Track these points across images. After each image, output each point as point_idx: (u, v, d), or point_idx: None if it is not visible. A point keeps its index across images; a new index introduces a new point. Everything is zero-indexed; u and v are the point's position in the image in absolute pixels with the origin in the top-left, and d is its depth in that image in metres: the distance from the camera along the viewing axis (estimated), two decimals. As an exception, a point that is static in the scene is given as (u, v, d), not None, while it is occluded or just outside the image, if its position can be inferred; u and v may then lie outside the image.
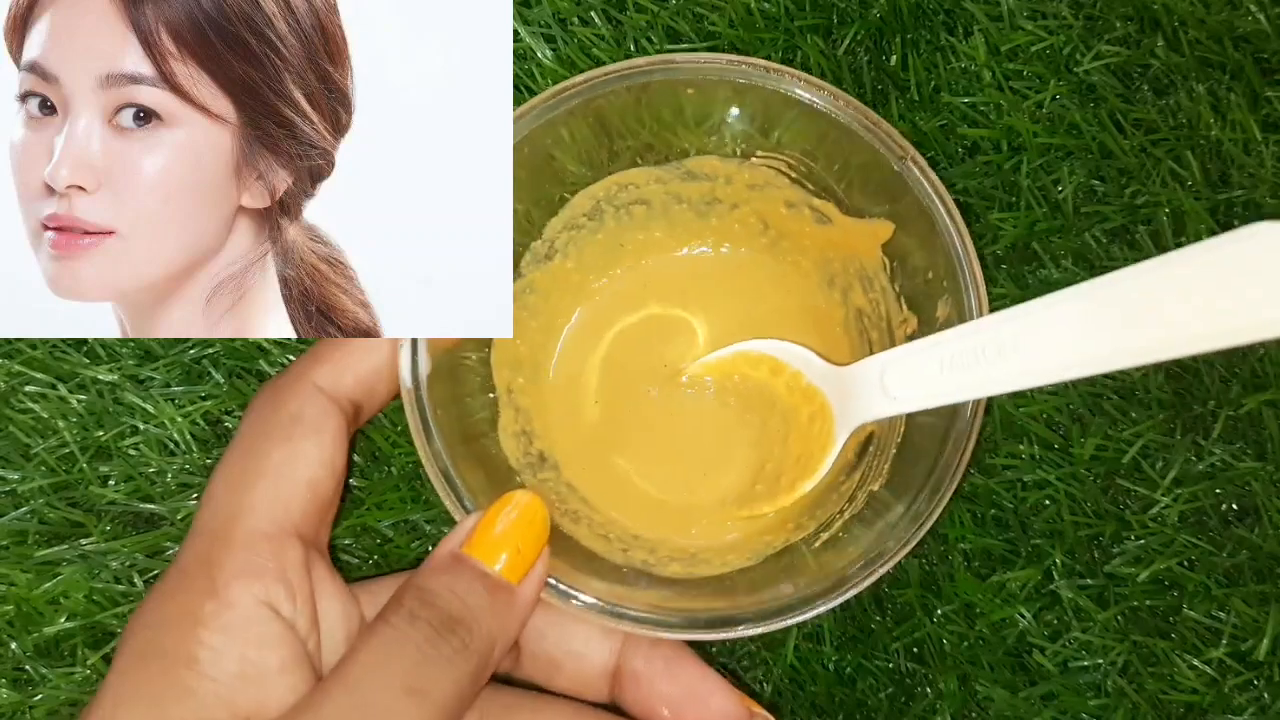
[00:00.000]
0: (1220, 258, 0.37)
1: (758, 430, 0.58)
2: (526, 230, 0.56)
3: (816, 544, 0.53)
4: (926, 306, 0.52)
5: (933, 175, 0.50)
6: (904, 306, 0.54)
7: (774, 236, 0.58)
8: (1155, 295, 0.39)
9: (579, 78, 0.52)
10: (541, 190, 0.56)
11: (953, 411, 0.49)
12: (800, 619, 0.48)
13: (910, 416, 0.53)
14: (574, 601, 0.48)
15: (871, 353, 0.56)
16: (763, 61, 0.51)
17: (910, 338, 0.54)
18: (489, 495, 0.49)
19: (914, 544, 0.48)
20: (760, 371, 0.57)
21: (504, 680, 0.51)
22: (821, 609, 0.48)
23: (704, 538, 0.57)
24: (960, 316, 0.50)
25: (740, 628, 0.48)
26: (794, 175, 0.55)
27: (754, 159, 0.55)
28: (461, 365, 0.54)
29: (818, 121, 0.52)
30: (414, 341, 0.50)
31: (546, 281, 0.58)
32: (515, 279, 0.57)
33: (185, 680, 0.42)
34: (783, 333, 0.57)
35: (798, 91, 0.51)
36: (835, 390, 0.54)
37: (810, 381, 0.55)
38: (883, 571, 0.48)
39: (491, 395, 0.56)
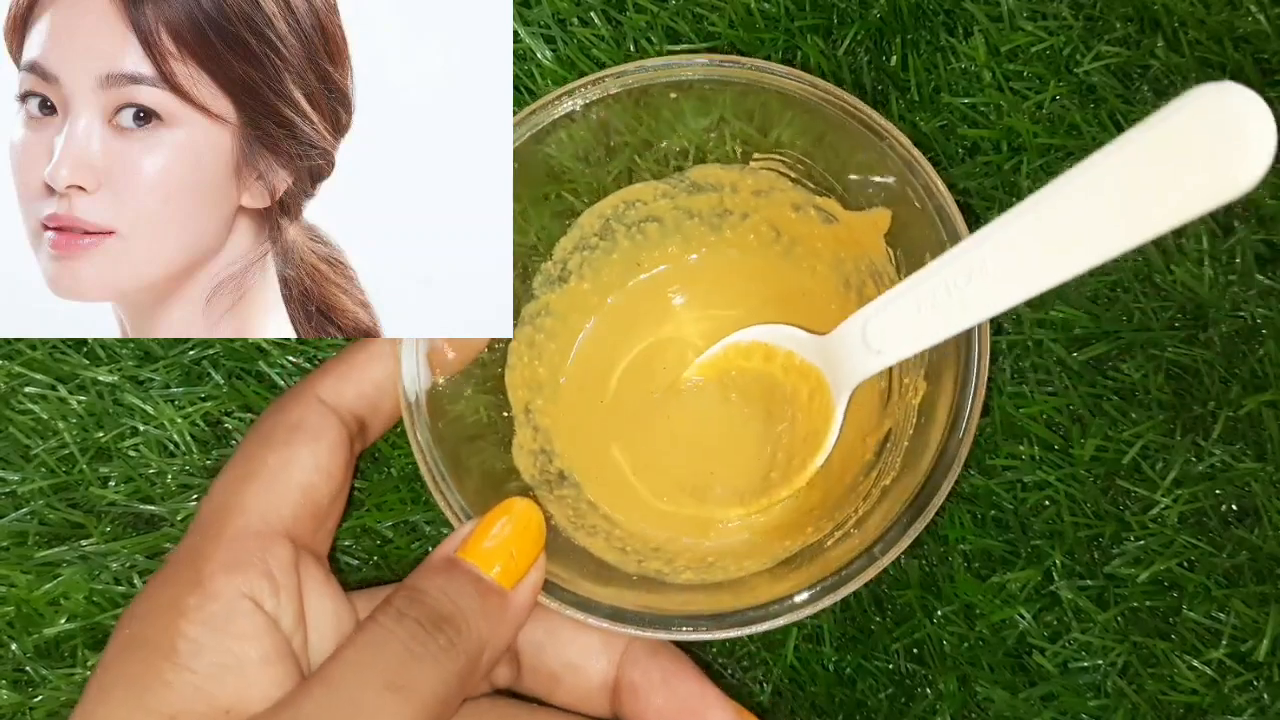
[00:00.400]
0: (1167, 131, 0.37)
1: (763, 418, 0.58)
2: (523, 229, 0.56)
3: (830, 543, 0.53)
4: None
5: (915, 151, 0.50)
6: None
7: (787, 243, 0.58)
8: (1113, 184, 0.39)
9: (574, 83, 0.52)
10: (537, 188, 0.55)
11: (959, 386, 0.49)
12: (810, 611, 0.48)
13: (921, 408, 0.53)
14: (578, 610, 0.48)
15: None
16: (734, 57, 0.51)
17: None
18: (488, 506, 0.49)
19: (920, 529, 0.48)
20: (754, 360, 0.57)
21: (504, 695, 0.51)
22: (828, 600, 0.48)
23: (722, 537, 0.58)
24: None
25: (747, 627, 0.48)
26: (794, 175, 0.55)
27: (753, 162, 0.55)
28: (468, 379, 0.54)
29: (793, 108, 0.52)
30: (417, 352, 0.50)
31: (563, 304, 0.58)
32: (528, 301, 0.57)
33: (164, 672, 0.42)
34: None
35: (769, 79, 0.51)
36: (826, 360, 0.54)
37: (803, 359, 0.55)
38: (887, 562, 0.48)
39: (506, 414, 0.56)
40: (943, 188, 0.50)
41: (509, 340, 0.56)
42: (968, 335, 0.49)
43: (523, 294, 0.57)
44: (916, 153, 0.50)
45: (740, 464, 0.58)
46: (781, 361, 0.56)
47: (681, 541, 0.57)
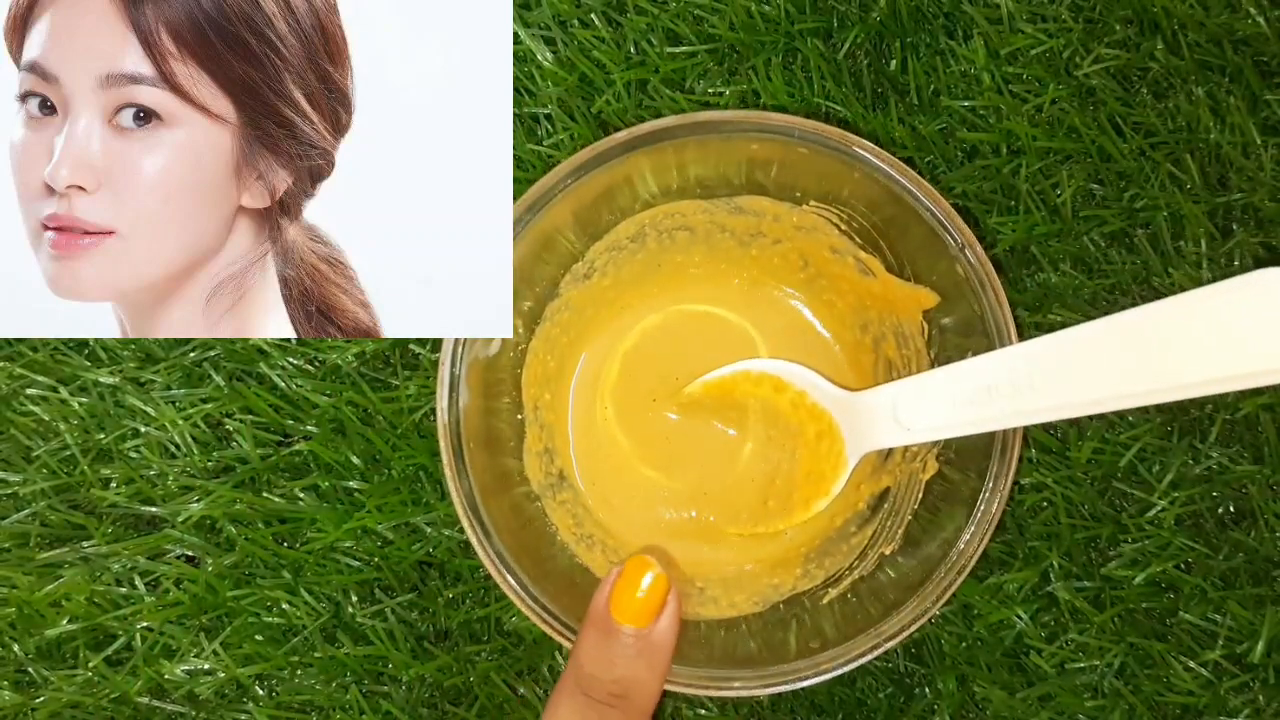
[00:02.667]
0: (1225, 303, 0.37)
1: (762, 444, 0.58)
2: (573, 255, 0.56)
3: (824, 600, 0.54)
4: None
5: (989, 267, 0.49)
6: None
7: (812, 274, 0.58)
8: (1163, 339, 0.39)
9: (655, 123, 0.51)
10: (600, 220, 0.56)
11: (975, 492, 0.50)
12: (803, 684, 0.49)
13: (929, 486, 0.53)
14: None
15: None
16: (833, 129, 0.50)
17: None
18: (514, 530, 0.51)
19: (925, 620, 0.49)
20: (763, 389, 0.57)
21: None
22: (825, 677, 0.49)
23: (714, 552, 0.58)
24: None
25: (738, 685, 0.50)
26: (844, 227, 0.55)
27: (807, 206, 0.55)
28: (497, 399, 0.55)
29: (878, 190, 0.51)
30: (453, 377, 0.50)
31: (581, 298, 0.58)
32: (552, 299, 0.57)
33: None
34: (813, 361, 0.58)
35: (863, 158, 0.50)
36: (845, 414, 0.54)
37: (815, 401, 0.55)
38: (890, 646, 0.49)
39: (520, 416, 0.56)
40: (1006, 307, 0.50)
41: (530, 341, 0.56)
42: (1000, 442, 0.49)
43: (549, 297, 0.57)
44: (989, 268, 0.49)
45: (735, 480, 0.58)
46: (791, 397, 0.56)
47: (671, 560, 0.58)
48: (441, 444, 0.50)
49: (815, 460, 0.55)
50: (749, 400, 0.58)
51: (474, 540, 0.50)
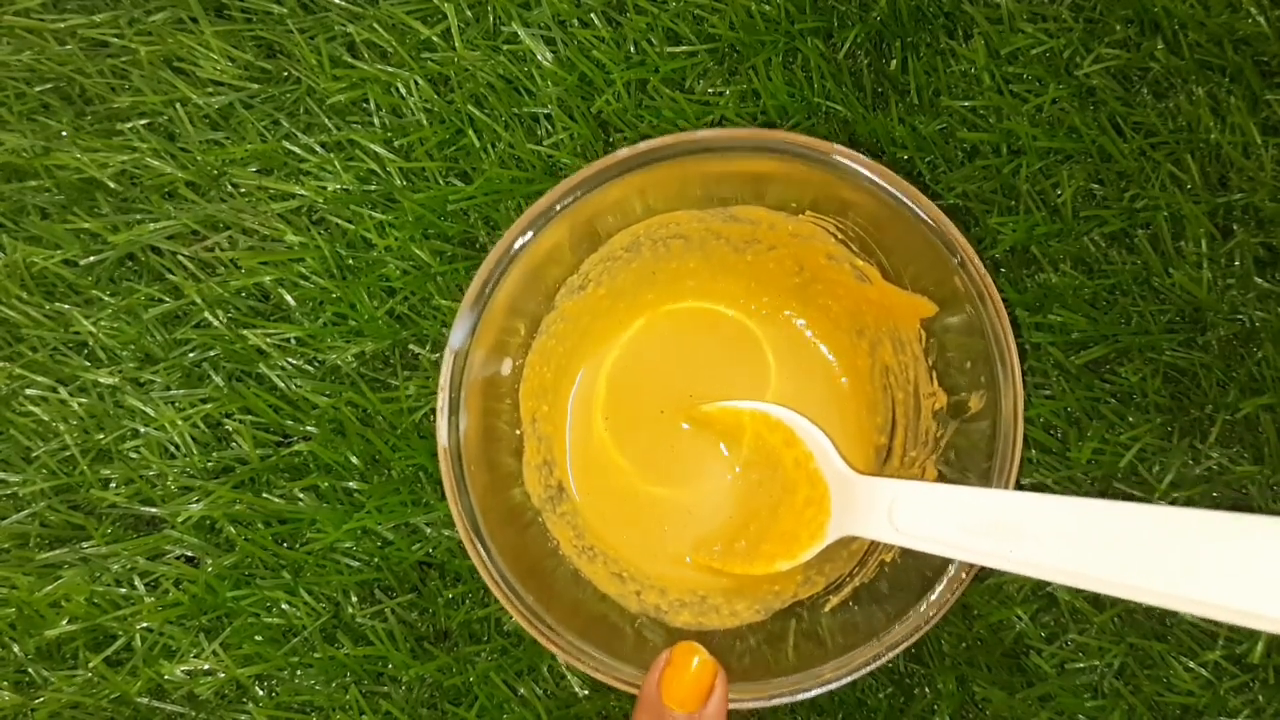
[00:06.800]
0: (1244, 540, 0.37)
1: (753, 488, 0.58)
2: (570, 268, 0.56)
3: (826, 607, 0.54)
4: (959, 389, 0.52)
5: (987, 279, 0.49)
6: (935, 380, 0.54)
7: (807, 278, 0.58)
8: (1178, 548, 0.38)
9: (653, 142, 0.50)
10: (597, 234, 0.55)
11: None
12: (804, 696, 0.49)
13: None
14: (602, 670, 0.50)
15: (894, 410, 0.57)
16: (829, 144, 0.50)
17: (937, 413, 0.54)
18: (515, 550, 0.51)
19: (927, 628, 0.49)
20: (774, 437, 0.56)
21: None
22: (826, 688, 0.49)
23: (695, 567, 0.58)
24: (994, 414, 0.49)
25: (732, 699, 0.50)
26: (840, 235, 0.54)
27: (803, 215, 0.55)
28: (496, 415, 0.55)
29: (874, 202, 0.51)
30: (453, 401, 0.50)
31: (576, 309, 0.58)
32: (548, 310, 0.57)
33: None
34: (807, 366, 0.58)
35: (861, 174, 0.50)
36: (841, 490, 0.53)
37: (819, 467, 0.55)
38: (891, 656, 0.49)
39: (518, 431, 0.56)
40: (1004, 316, 0.49)
41: (527, 355, 0.56)
42: (1000, 443, 0.49)
43: (545, 309, 0.57)
44: (988, 280, 0.49)
45: (717, 512, 0.58)
46: (797, 455, 0.56)
47: (668, 572, 0.58)
48: (442, 468, 0.50)
49: (796, 523, 0.55)
50: (756, 440, 0.58)
51: (477, 562, 0.50)
